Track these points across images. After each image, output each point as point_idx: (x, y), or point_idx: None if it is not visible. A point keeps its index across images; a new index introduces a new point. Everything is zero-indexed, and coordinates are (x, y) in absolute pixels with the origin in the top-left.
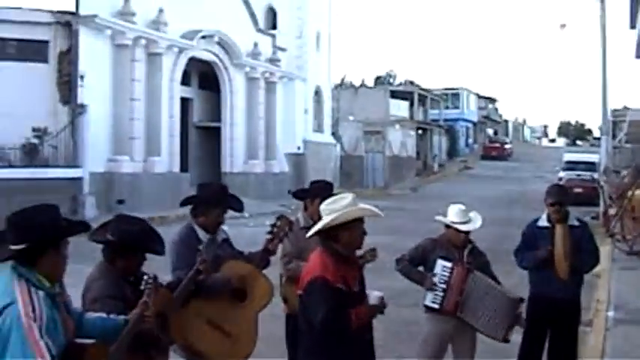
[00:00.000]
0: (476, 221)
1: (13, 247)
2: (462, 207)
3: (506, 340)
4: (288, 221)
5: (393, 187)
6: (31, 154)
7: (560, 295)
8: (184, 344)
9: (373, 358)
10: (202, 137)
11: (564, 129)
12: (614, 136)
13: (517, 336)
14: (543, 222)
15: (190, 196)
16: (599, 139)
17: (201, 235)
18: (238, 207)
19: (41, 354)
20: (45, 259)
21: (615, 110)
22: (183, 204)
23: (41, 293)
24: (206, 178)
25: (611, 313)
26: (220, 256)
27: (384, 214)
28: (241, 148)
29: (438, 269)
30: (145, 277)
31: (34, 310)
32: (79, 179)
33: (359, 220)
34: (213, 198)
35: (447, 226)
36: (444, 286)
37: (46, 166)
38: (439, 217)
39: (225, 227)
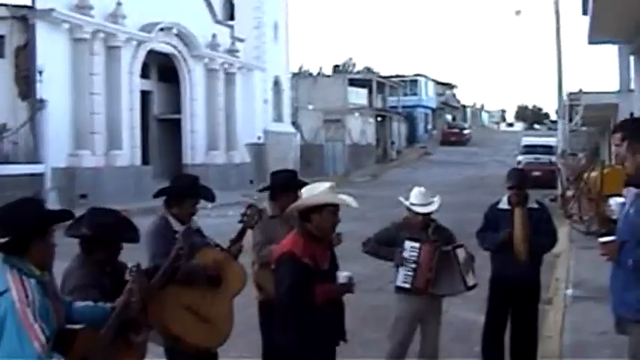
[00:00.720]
0: (436, 203)
1: (1, 240)
2: (423, 190)
3: (470, 287)
4: (258, 210)
5: (353, 174)
6: None
7: (519, 276)
8: (163, 329)
9: (341, 336)
10: (163, 130)
11: (522, 113)
12: (570, 120)
13: (479, 316)
14: (504, 204)
15: (163, 188)
16: (556, 122)
17: (175, 225)
18: (210, 197)
19: (36, 336)
20: (33, 249)
21: (571, 94)
22: (156, 195)
23: (32, 281)
24: (167, 170)
25: (569, 291)
26: (195, 244)
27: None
28: (202, 139)
29: (406, 252)
30: (130, 265)
31: (27, 297)
32: (41, 175)
33: (331, 206)
34: (186, 189)
35: (409, 209)
36: (413, 265)
37: (7, 162)
38: (401, 199)
39: (194, 218)
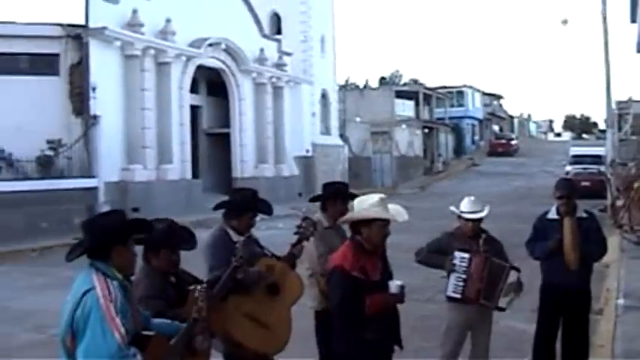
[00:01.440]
0: (484, 211)
1: (87, 246)
2: (473, 198)
3: (499, 309)
4: (313, 222)
5: (401, 186)
6: (46, 166)
7: (570, 284)
8: (224, 336)
9: (397, 342)
10: (212, 144)
11: (570, 123)
12: (619, 129)
13: (531, 325)
14: (553, 214)
15: (223, 201)
16: (604, 131)
17: (234, 237)
18: (268, 211)
19: (117, 328)
20: (115, 254)
21: (620, 102)
22: (216, 208)
23: (115, 282)
24: (217, 184)
25: (621, 301)
26: (255, 253)
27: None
28: (251, 153)
29: (456, 261)
30: (199, 287)
31: (110, 293)
32: (94, 189)
33: (380, 220)
34: (246, 202)
35: (459, 217)
36: (463, 276)
37: (62, 177)
38: (452, 208)
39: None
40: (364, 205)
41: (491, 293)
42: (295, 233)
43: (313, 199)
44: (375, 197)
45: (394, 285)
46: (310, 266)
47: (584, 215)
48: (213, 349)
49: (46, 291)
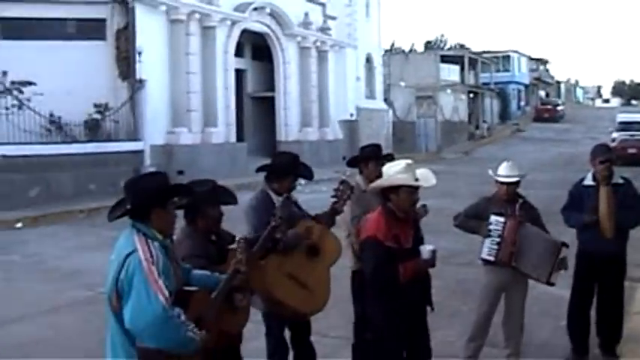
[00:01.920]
0: (518, 175)
1: (128, 207)
2: (510, 163)
3: (550, 283)
4: (350, 185)
5: (445, 151)
6: (93, 130)
7: (606, 251)
8: (265, 294)
9: (429, 303)
10: (257, 107)
11: (619, 89)
12: None
13: (566, 292)
14: (589, 181)
15: (265, 164)
16: None
17: (275, 199)
18: (309, 175)
19: (161, 290)
20: (155, 217)
21: None
22: (258, 170)
23: (156, 244)
24: (262, 147)
25: None
26: (294, 214)
27: (436, 178)
28: (295, 116)
29: (492, 224)
30: (238, 238)
31: (152, 256)
32: (140, 152)
33: (407, 186)
34: (286, 166)
35: (496, 181)
36: (498, 239)
37: (109, 140)
38: (490, 171)
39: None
40: (391, 171)
41: (531, 261)
42: (333, 196)
43: (349, 162)
44: (402, 163)
45: (426, 250)
46: (345, 228)
47: (621, 181)
48: (253, 308)
49: (94, 251)
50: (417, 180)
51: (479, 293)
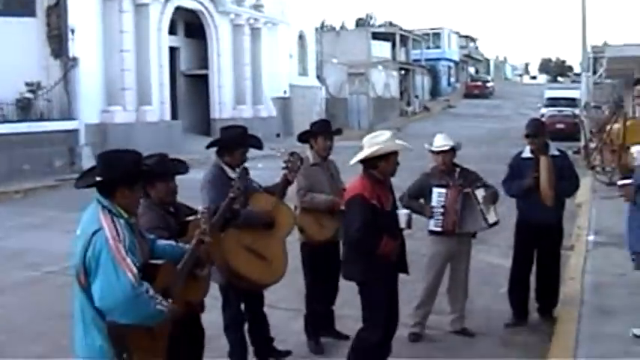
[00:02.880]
0: (451, 144)
1: (97, 178)
2: (443, 135)
3: (492, 225)
4: (299, 157)
5: (377, 127)
6: (26, 109)
7: (544, 219)
8: (227, 268)
9: (404, 269)
10: (191, 85)
11: (545, 66)
12: (594, 72)
13: (505, 261)
14: (527, 154)
15: (215, 139)
16: (580, 75)
17: (230, 172)
18: (258, 145)
19: (129, 268)
20: (120, 194)
21: (595, 47)
22: (209, 146)
23: (121, 221)
24: (196, 125)
25: (591, 237)
26: (248, 187)
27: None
28: (229, 94)
29: (434, 197)
30: (201, 208)
31: (118, 234)
32: (75, 131)
33: (394, 153)
34: (237, 139)
35: (432, 153)
36: (442, 210)
37: (42, 119)
38: (426, 145)
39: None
40: (378, 140)
41: (468, 220)
42: (283, 168)
43: (300, 137)
44: (387, 133)
45: (402, 213)
46: (294, 201)
47: (557, 153)
48: (214, 280)
49: (34, 231)
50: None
51: (426, 262)
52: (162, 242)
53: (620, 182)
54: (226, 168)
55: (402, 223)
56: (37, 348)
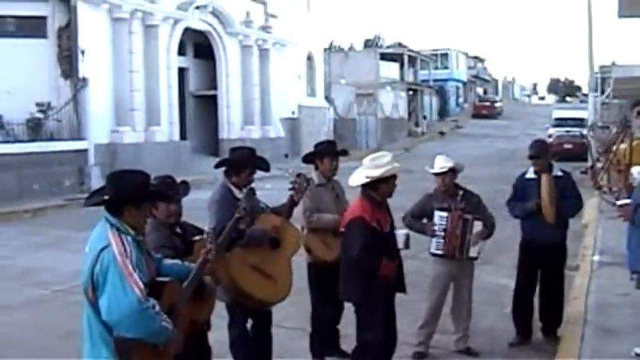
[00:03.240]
0: (450, 165)
1: (105, 197)
2: (444, 157)
3: (469, 258)
4: (306, 178)
5: (385, 148)
6: (36, 129)
7: (548, 238)
8: (234, 287)
9: (402, 289)
10: (200, 106)
11: (554, 86)
12: (602, 92)
13: (509, 280)
14: (530, 174)
15: (223, 159)
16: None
17: (236, 193)
18: (265, 167)
19: (136, 283)
20: (127, 213)
21: (603, 67)
22: (217, 166)
23: (129, 238)
24: (205, 145)
25: (596, 258)
26: (255, 207)
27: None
28: (238, 114)
29: (436, 220)
30: (206, 228)
31: (125, 250)
32: (85, 151)
33: (394, 176)
34: (243, 159)
35: (434, 175)
36: (443, 233)
37: (52, 139)
38: (427, 168)
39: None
40: (379, 162)
41: (464, 247)
42: (290, 189)
43: (305, 159)
44: (388, 155)
45: (400, 233)
46: (300, 222)
47: (560, 174)
48: (218, 299)
49: (43, 250)
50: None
51: (430, 283)
52: (168, 261)
53: (619, 202)
54: (233, 188)
55: (400, 244)
56: None
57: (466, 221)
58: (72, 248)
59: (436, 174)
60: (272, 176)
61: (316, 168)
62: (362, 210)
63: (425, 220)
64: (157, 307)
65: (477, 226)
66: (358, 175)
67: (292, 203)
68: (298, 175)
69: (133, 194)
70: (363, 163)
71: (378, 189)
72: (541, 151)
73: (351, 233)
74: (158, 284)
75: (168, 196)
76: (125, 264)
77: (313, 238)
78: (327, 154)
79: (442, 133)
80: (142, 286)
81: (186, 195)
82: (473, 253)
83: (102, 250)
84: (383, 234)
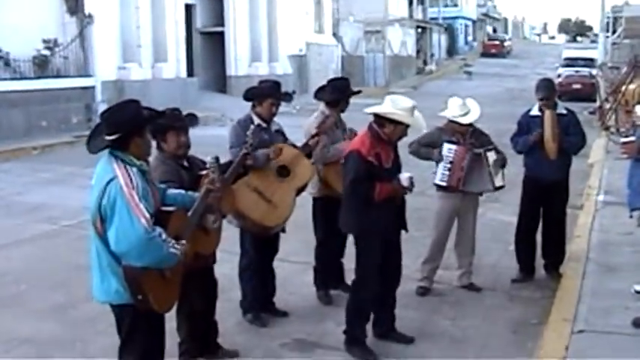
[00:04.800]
0: (475, 111)
1: (108, 138)
2: (460, 101)
3: (497, 188)
4: (326, 116)
5: (393, 85)
6: (42, 66)
7: (550, 175)
8: (230, 207)
9: (403, 226)
10: (207, 42)
11: (564, 26)
12: (614, 32)
13: (514, 218)
14: (535, 111)
15: (250, 87)
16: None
17: (257, 121)
18: (288, 99)
19: (142, 213)
20: (133, 144)
21: (615, 7)
22: (245, 96)
23: (134, 169)
24: (212, 82)
25: (601, 197)
26: (266, 140)
27: None
28: (245, 51)
29: (444, 151)
30: (209, 159)
31: (131, 181)
32: (92, 88)
33: (403, 124)
34: (265, 89)
35: (452, 121)
36: (449, 165)
37: (58, 76)
38: (442, 114)
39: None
40: (398, 105)
41: (475, 180)
42: (317, 127)
43: (317, 95)
44: (409, 103)
45: (404, 177)
46: (313, 156)
47: (564, 112)
48: (229, 224)
49: (52, 186)
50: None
51: (434, 218)
52: (173, 191)
53: (622, 139)
54: (255, 117)
55: (405, 182)
56: (57, 297)
57: (478, 155)
58: (80, 184)
59: (462, 124)
60: (280, 112)
61: (327, 104)
62: (360, 143)
63: None
64: (164, 235)
65: (492, 156)
66: (375, 107)
67: (315, 143)
68: (327, 117)
69: (134, 125)
70: (386, 97)
71: (385, 127)
72: (550, 92)
73: (346, 164)
74: (164, 213)
75: (173, 126)
76: (131, 195)
77: (331, 172)
78: (343, 95)
79: (469, 73)
80: (147, 216)
81: (193, 126)
82: (498, 182)
83: (108, 182)
84: (382, 169)
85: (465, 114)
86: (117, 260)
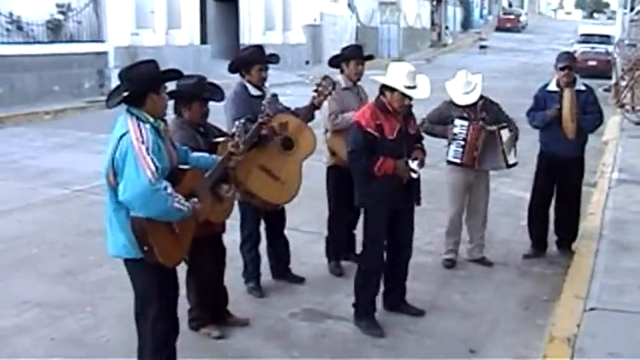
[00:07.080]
0: (477, 90)
1: (124, 93)
2: (464, 78)
3: (510, 165)
4: (332, 81)
5: (407, 57)
6: (55, 30)
7: (566, 152)
8: (238, 185)
9: (418, 201)
10: (221, 10)
11: (581, 2)
12: (632, 9)
13: (526, 193)
14: (553, 86)
15: (233, 59)
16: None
17: (252, 90)
18: (275, 61)
19: (148, 165)
20: (148, 101)
21: None
22: (230, 68)
23: (147, 125)
24: (226, 50)
25: (615, 175)
26: (279, 111)
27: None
28: (259, 20)
29: (456, 128)
30: (237, 122)
31: (141, 135)
32: (104, 53)
33: (405, 95)
34: (251, 57)
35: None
36: (462, 142)
37: (72, 41)
38: (447, 84)
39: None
40: (394, 72)
41: (489, 158)
42: (314, 91)
43: (331, 62)
44: (406, 69)
45: (415, 164)
46: (324, 124)
47: (583, 88)
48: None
49: (63, 151)
50: (412, 88)
51: (448, 192)
52: (196, 154)
53: None
54: (248, 85)
55: (413, 165)
56: (67, 261)
57: (491, 133)
58: (92, 149)
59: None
60: (293, 82)
61: (342, 72)
62: (361, 115)
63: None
64: (170, 189)
65: (505, 134)
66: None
67: (313, 107)
68: (324, 78)
69: (150, 81)
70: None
71: (385, 95)
72: (572, 62)
73: (348, 137)
74: (180, 171)
75: (178, 75)
76: (140, 148)
77: (338, 140)
78: (354, 57)
79: (484, 47)
80: (153, 168)
81: (220, 101)
82: (511, 160)
83: (121, 136)
84: (384, 140)
85: (469, 92)
86: (126, 212)
